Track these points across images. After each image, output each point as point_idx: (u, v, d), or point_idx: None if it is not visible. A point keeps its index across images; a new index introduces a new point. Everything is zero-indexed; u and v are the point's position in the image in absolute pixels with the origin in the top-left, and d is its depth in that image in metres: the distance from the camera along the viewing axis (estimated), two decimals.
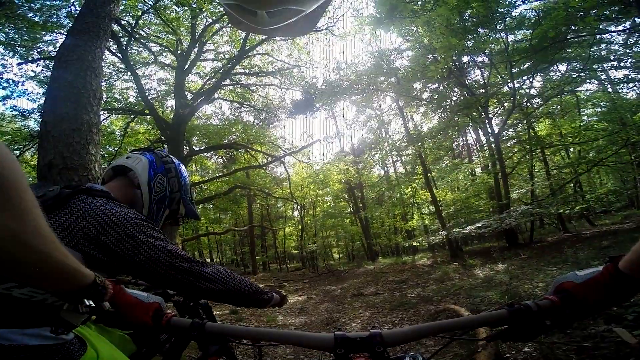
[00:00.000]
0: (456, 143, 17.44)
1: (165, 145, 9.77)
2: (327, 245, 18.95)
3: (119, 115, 11.74)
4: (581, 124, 10.51)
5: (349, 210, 20.89)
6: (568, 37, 7.83)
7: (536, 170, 12.32)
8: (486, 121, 10.25)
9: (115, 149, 10.65)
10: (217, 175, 14.42)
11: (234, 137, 12.28)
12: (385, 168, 21.60)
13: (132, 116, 10.68)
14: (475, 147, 21.28)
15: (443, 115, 11.31)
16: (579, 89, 10.59)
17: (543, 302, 0.53)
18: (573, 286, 0.52)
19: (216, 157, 18.74)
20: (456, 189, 14.65)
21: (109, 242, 0.66)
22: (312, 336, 0.53)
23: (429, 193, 13.12)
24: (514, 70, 8.75)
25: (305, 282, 9.97)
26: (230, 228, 16.17)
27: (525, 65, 9.00)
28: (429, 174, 12.44)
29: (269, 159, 13.89)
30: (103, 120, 11.03)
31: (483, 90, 9.98)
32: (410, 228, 15.40)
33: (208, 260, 23.73)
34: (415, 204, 14.70)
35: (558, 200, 9.25)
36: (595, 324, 2.16)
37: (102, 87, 2.91)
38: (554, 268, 4.57)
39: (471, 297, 3.75)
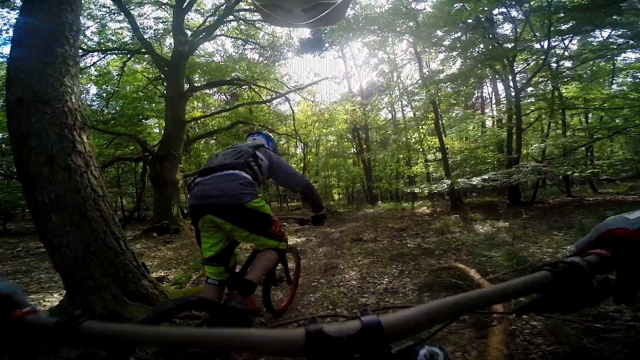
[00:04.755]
0: (472, 94, 16.58)
1: (166, 84, 9.50)
2: (328, 185, 19.08)
3: (116, 56, 11.36)
4: (610, 91, 9.88)
5: (352, 151, 20.76)
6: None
7: (551, 130, 11.88)
8: (510, 76, 9.62)
9: (114, 88, 10.53)
10: (219, 109, 13.91)
11: (238, 74, 11.78)
12: (393, 112, 21.10)
13: (128, 56, 10.41)
14: (489, 101, 20.33)
15: (465, 63, 10.41)
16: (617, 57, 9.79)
17: (591, 257, 0.39)
18: (628, 233, 0.40)
19: (219, 94, 17.87)
20: (464, 139, 14.25)
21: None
22: (269, 335, 0.31)
23: (437, 139, 12.79)
24: (552, 29, 7.95)
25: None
26: None
27: (567, 26, 8.19)
28: (440, 120, 11.91)
29: (273, 95, 13.25)
30: (98, 61, 10.84)
31: (512, 45, 9.22)
32: (413, 174, 15.32)
33: None
34: (421, 150, 14.37)
35: (570, 161, 9.06)
36: (605, 303, 2.09)
37: (81, 22, 2.82)
38: (560, 233, 4.52)
39: (474, 256, 3.72)
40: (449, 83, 11.39)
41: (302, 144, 17.88)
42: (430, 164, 14.46)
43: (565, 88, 10.01)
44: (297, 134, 14.36)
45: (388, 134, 20.93)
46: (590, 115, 12.30)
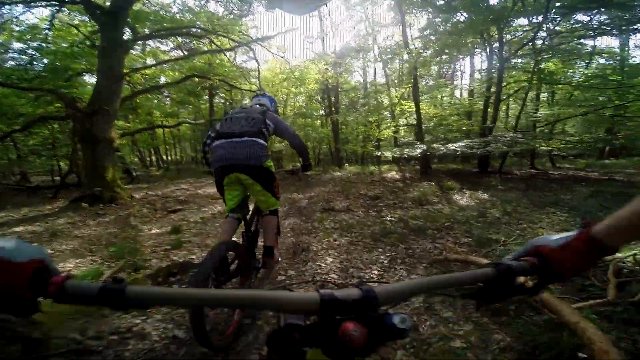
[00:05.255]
0: (453, 62, 16.09)
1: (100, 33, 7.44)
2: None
3: (44, 8, 9.52)
4: (590, 71, 10.03)
5: (321, 112, 19.64)
6: None
7: (526, 104, 11.86)
8: (497, 44, 9.41)
9: (41, 43, 9.23)
10: (165, 60, 11.69)
11: (197, 30, 9.88)
12: (365, 76, 20.41)
13: (56, 7, 8.15)
14: (459, 73, 20.21)
15: (456, 27, 9.54)
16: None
17: (523, 263, 0.52)
18: (549, 250, 0.52)
19: (175, 49, 15.10)
20: (436, 106, 13.82)
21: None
22: (292, 296, 0.41)
23: (411, 103, 12.19)
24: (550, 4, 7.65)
25: None
26: (184, 121, 14.18)
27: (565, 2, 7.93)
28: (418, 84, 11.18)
29: (236, 45, 11.42)
30: (20, 15, 9.19)
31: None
32: (382, 137, 14.70)
33: (164, 157, 22.20)
34: (392, 114, 13.65)
35: (545, 135, 9.10)
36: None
37: None
38: (553, 211, 4.15)
39: (475, 239, 3.16)
40: (429, 50, 10.58)
41: None
42: (401, 128, 13.89)
43: (547, 64, 9.74)
44: (261, 90, 12.83)
45: (358, 97, 20.41)
46: (557, 93, 12.56)
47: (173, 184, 10.83)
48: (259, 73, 12.05)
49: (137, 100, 12.84)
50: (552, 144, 9.53)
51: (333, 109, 17.58)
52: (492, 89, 9.88)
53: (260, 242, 2.21)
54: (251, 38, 11.20)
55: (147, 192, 8.54)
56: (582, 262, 0.50)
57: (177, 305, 0.49)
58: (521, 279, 0.52)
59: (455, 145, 8.58)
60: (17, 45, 9.67)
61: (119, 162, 14.88)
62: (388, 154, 11.20)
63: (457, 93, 16.01)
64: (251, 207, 2.29)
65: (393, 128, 13.94)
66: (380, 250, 3.11)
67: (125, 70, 7.90)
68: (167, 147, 21.06)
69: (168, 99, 16.80)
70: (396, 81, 15.52)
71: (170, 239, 3.95)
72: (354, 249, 3.20)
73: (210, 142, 2.03)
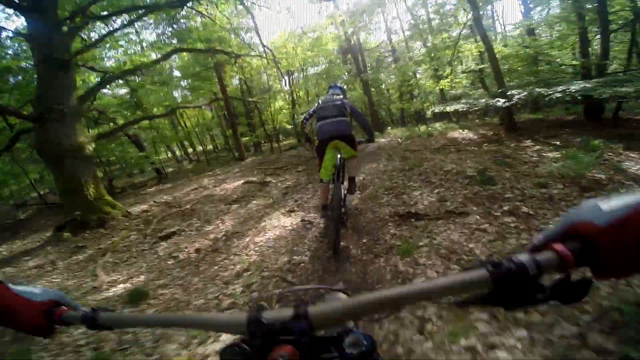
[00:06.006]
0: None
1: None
2: None
3: None
4: None
5: (344, 76, 16.69)
6: None
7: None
8: None
9: None
10: (116, 28, 9.35)
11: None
12: (390, 33, 17.74)
13: None
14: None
15: None
16: None
17: (545, 257, 0.33)
18: (594, 230, 0.33)
19: (155, 27, 12.45)
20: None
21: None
22: (220, 318, 0.41)
23: (470, 45, 9.07)
24: None
25: (299, 172, 7.09)
26: (184, 105, 12.16)
27: None
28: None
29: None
30: None
31: None
32: (447, 87, 11.51)
33: (190, 150, 20.89)
34: (455, 59, 10.39)
35: None
36: None
37: None
38: None
39: None
40: None
41: (286, 77, 14.03)
42: (465, 77, 10.60)
43: None
44: (274, 61, 10.27)
45: (383, 55, 18.93)
46: None
47: (196, 180, 9.21)
48: (258, 35, 9.48)
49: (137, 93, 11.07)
50: None
51: (361, 67, 14.75)
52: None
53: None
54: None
55: (154, 200, 6.83)
56: None
57: (136, 327, 0.52)
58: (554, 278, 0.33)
59: (562, 88, 5.58)
60: None
61: (147, 164, 13.81)
62: (454, 108, 8.29)
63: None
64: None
65: (453, 76, 10.68)
66: None
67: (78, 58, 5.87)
68: (198, 137, 19.54)
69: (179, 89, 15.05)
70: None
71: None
72: None
73: (306, 122, 3.05)
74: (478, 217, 2.72)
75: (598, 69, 6.40)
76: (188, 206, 5.66)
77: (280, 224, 3.74)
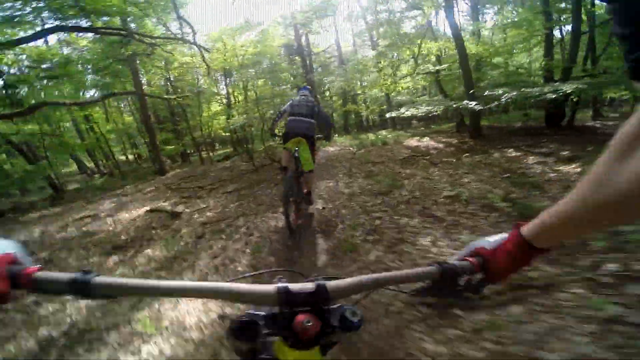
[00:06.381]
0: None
1: None
2: (265, 119, 13.71)
3: None
4: None
5: (291, 78, 15.26)
6: None
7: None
8: None
9: None
10: None
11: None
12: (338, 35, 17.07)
13: None
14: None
15: None
16: None
17: (464, 263, 0.53)
18: (486, 252, 0.53)
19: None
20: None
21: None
22: (251, 288, 0.42)
23: (433, 43, 8.37)
24: None
25: (228, 193, 5.29)
26: (89, 100, 9.42)
27: None
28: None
29: None
30: None
31: None
32: (403, 88, 10.67)
33: (104, 161, 16.93)
34: (418, 55, 9.49)
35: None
36: None
37: None
38: None
39: None
40: None
41: (221, 77, 12.07)
42: (422, 76, 9.79)
43: None
44: (200, 50, 8.32)
45: (331, 60, 18.28)
46: None
47: (97, 202, 6.82)
48: (179, 16, 7.55)
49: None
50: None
51: (309, 70, 13.54)
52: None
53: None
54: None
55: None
56: (514, 263, 0.50)
57: (141, 295, 0.45)
58: (466, 277, 0.53)
59: (549, 89, 4.90)
60: None
61: (36, 180, 10.31)
62: (411, 112, 7.33)
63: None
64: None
65: (411, 78, 9.86)
66: None
67: None
68: (108, 145, 15.61)
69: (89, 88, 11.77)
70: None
71: None
72: None
73: (276, 122, 3.44)
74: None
75: (564, 71, 5.93)
76: (43, 254, 3.51)
77: (175, 318, 1.95)
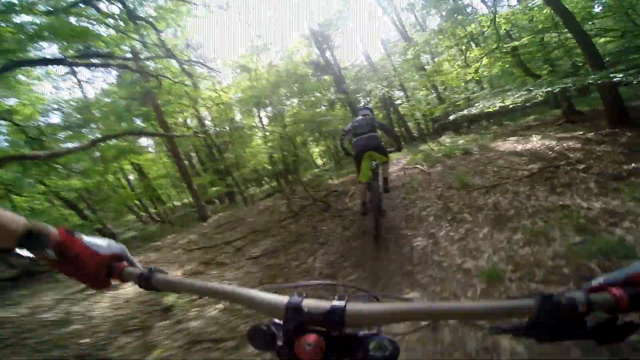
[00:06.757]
0: None
1: None
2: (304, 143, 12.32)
3: None
4: None
5: (324, 97, 13.78)
6: None
7: None
8: None
9: None
10: None
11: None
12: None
13: None
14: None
15: None
16: None
17: (600, 297, 0.34)
18: None
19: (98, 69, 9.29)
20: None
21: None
22: (262, 297, 0.41)
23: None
24: None
25: (255, 260, 3.59)
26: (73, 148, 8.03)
27: None
28: None
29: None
30: None
31: None
32: (476, 76, 8.39)
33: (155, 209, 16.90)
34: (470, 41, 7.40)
35: None
36: None
37: None
38: None
39: None
40: None
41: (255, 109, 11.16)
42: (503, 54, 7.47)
43: None
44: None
45: (362, 73, 15.55)
46: None
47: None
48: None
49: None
50: None
51: (343, 87, 12.00)
52: None
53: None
54: None
55: None
56: None
57: (187, 292, 0.51)
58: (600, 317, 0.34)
59: None
60: None
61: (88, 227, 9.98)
62: (496, 104, 5.16)
63: None
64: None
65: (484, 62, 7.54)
66: None
67: None
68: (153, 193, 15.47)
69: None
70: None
71: None
72: None
73: (343, 138, 3.54)
74: None
75: None
76: None
77: None
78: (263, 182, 18.60)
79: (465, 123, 13.47)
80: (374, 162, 3.29)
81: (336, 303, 0.37)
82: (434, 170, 5.14)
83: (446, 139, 9.65)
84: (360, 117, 3.50)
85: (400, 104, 14.67)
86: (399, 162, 7.04)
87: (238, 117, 14.64)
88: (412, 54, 8.72)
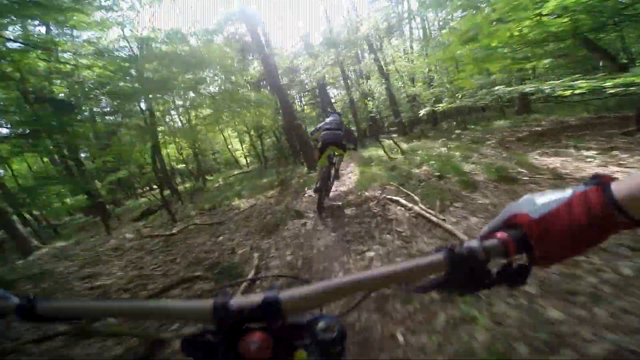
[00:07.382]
0: None
1: None
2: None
3: None
4: None
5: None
6: None
7: None
8: None
9: None
10: None
11: None
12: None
13: None
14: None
15: None
16: None
17: (491, 243, 0.35)
18: (528, 221, 0.35)
19: None
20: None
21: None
22: (182, 305, 0.38)
23: None
24: None
25: None
26: None
27: None
28: None
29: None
30: None
31: None
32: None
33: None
34: None
35: None
36: None
37: None
38: None
39: None
40: None
41: None
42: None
43: None
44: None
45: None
46: None
47: None
48: None
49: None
50: None
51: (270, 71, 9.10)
52: None
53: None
54: None
55: None
56: (584, 237, 0.32)
57: (84, 318, 0.40)
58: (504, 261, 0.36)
59: None
60: None
61: None
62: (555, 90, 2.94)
63: None
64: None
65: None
66: None
67: None
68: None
69: None
70: None
71: None
72: None
73: (315, 131, 4.12)
74: None
75: None
76: None
77: None
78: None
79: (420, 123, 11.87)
80: (334, 153, 3.79)
81: (269, 294, 0.35)
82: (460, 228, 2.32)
83: (402, 143, 7.52)
84: (331, 118, 4.14)
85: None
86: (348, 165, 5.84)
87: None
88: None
